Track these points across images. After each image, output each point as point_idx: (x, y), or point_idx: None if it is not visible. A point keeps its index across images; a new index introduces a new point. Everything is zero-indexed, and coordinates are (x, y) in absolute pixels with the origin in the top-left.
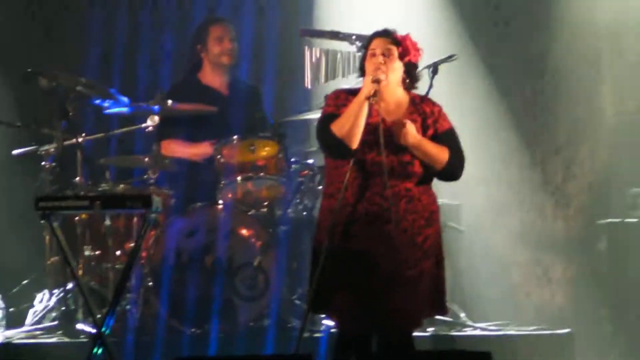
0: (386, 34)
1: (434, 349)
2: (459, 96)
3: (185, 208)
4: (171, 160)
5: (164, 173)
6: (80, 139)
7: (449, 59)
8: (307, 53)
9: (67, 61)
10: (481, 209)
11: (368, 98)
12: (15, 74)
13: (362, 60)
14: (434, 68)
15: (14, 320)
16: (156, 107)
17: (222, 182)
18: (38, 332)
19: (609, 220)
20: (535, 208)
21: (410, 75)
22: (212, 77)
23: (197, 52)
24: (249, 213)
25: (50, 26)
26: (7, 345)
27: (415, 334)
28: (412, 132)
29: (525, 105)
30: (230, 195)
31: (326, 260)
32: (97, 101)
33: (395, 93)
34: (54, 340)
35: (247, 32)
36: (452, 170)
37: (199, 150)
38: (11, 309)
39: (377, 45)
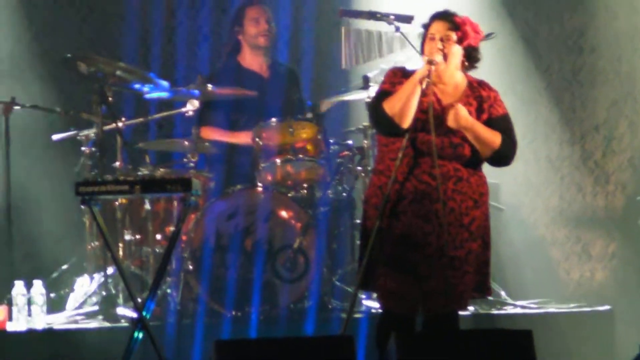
0: (446, 17)
1: (475, 327)
2: (498, 74)
3: (224, 191)
4: (210, 144)
5: (204, 156)
6: (119, 124)
7: (487, 37)
8: (344, 34)
9: (105, 46)
10: (520, 187)
11: (421, 80)
12: (55, 60)
13: (422, 42)
14: None
15: (55, 305)
16: (196, 91)
17: (261, 164)
18: (79, 317)
19: None
20: (574, 185)
21: (471, 58)
22: (252, 60)
23: (235, 35)
24: (289, 195)
25: (88, 11)
26: (49, 331)
27: None
28: (463, 114)
29: (564, 82)
30: (269, 178)
31: (375, 237)
32: (137, 86)
33: (454, 76)
34: (95, 325)
35: (284, 13)
36: (504, 156)
37: (238, 139)
38: (52, 294)
39: (436, 29)
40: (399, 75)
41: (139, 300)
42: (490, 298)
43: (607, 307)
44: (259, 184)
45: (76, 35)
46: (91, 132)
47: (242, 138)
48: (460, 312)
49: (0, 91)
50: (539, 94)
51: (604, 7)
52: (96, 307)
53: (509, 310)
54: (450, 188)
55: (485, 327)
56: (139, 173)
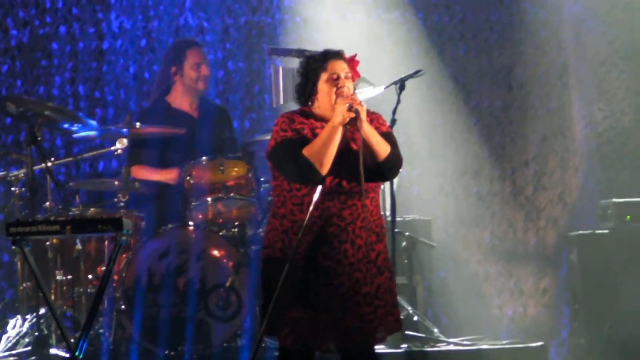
0: (341, 56)
1: None
2: (428, 111)
3: (156, 230)
4: (140, 183)
5: (134, 196)
6: (49, 164)
7: (415, 74)
8: (274, 72)
9: (34, 86)
10: (452, 224)
11: (345, 125)
12: None
13: (312, 81)
14: (401, 84)
15: None
16: (124, 129)
17: (193, 203)
18: (12, 358)
19: (580, 231)
20: (506, 220)
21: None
22: (182, 100)
23: (172, 75)
24: (220, 233)
25: (17, 52)
26: None
27: (388, 350)
28: (365, 118)
29: (494, 118)
30: (200, 216)
31: (284, 282)
32: (66, 125)
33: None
34: None
35: (213, 52)
36: (392, 165)
37: (168, 176)
38: None
39: (339, 68)
40: (297, 121)
41: (72, 340)
42: (422, 335)
43: (540, 343)
44: (191, 223)
45: (4, 75)
46: (21, 173)
47: (171, 174)
48: (392, 350)
49: None
50: (468, 130)
51: (533, 44)
52: (29, 348)
53: (442, 347)
54: (358, 226)
55: None
56: (70, 213)
